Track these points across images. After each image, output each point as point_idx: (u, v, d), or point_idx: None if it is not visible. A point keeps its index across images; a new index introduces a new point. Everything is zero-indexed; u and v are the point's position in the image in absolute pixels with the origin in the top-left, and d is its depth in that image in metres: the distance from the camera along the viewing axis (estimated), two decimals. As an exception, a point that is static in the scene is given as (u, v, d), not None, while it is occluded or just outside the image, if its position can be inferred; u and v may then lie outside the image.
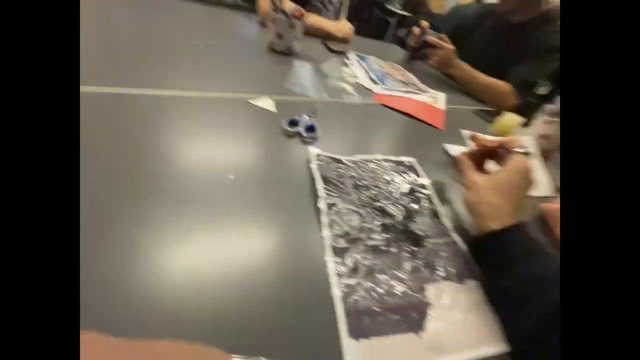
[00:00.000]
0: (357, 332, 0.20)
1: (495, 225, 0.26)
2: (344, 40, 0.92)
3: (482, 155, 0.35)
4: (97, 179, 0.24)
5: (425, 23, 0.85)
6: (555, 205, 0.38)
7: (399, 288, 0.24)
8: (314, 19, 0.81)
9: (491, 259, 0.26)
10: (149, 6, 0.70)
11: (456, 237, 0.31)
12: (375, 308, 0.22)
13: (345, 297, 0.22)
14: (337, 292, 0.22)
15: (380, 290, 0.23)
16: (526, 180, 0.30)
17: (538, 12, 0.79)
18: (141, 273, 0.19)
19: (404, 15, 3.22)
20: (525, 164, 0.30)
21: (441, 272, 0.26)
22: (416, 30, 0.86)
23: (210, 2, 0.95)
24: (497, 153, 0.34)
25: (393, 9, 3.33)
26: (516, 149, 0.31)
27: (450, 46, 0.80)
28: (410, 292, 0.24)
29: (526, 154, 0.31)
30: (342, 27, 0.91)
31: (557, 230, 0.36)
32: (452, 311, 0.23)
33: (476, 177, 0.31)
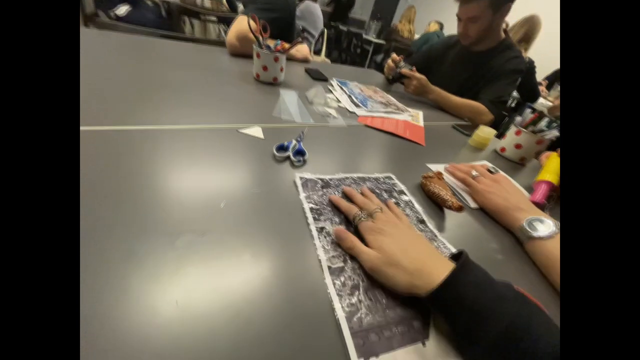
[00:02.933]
0: (366, 352, 0.20)
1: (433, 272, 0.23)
2: (304, 60, 1.06)
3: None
4: (88, 214, 0.24)
5: (396, 56, 0.94)
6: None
7: (399, 299, 0.24)
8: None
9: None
10: (137, 47, 0.73)
11: (445, 241, 0.33)
12: (380, 322, 0.22)
13: (350, 317, 0.22)
14: (341, 313, 0.22)
15: (382, 303, 0.23)
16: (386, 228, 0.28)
17: (496, 42, 0.89)
18: (134, 310, 0.19)
19: (379, 43, 3.50)
20: (365, 225, 0.29)
21: None
22: (390, 63, 0.95)
23: (197, 40, 1.01)
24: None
25: (369, 37, 3.62)
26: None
27: (421, 76, 0.88)
28: (411, 302, 0.24)
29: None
30: (301, 48, 1.02)
31: (488, 207, 0.41)
32: None
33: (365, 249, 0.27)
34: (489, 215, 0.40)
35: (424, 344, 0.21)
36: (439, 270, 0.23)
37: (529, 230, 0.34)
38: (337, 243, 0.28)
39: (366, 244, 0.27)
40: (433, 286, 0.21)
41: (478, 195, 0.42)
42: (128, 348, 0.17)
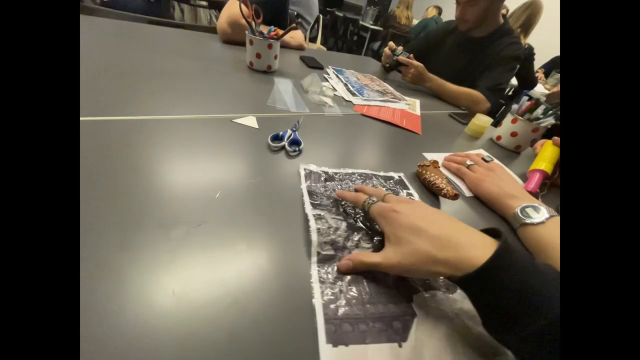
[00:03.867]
0: (336, 339, 0.20)
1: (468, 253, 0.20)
2: (299, 47, 1.02)
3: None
4: (82, 206, 0.24)
5: (393, 44, 0.92)
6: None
7: (385, 297, 0.23)
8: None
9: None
10: (125, 33, 0.70)
11: None
12: (357, 315, 0.21)
13: (328, 304, 0.22)
14: (318, 300, 0.22)
15: (364, 298, 0.23)
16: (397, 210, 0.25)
17: (494, 27, 0.88)
18: (130, 300, 0.19)
19: (376, 29, 3.41)
20: (377, 208, 0.26)
21: (431, 282, 0.26)
22: (387, 51, 0.93)
23: (187, 26, 0.97)
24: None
25: (366, 24, 3.53)
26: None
27: (419, 64, 0.86)
28: (396, 301, 0.23)
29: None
30: (295, 35, 0.98)
31: (482, 196, 0.41)
32: (436, 322, 0.22)
33: (377, 256, 0.24)
34: (484, 203, 0.41)
35: (400, 345, 0.20)
36: (477, 245, 0.20)
37: (522, 217, 0.34)
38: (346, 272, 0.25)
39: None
40: (470, 265, 0.19)
41: (472, 184, 0.42)
42: (126, 337, 0.17)
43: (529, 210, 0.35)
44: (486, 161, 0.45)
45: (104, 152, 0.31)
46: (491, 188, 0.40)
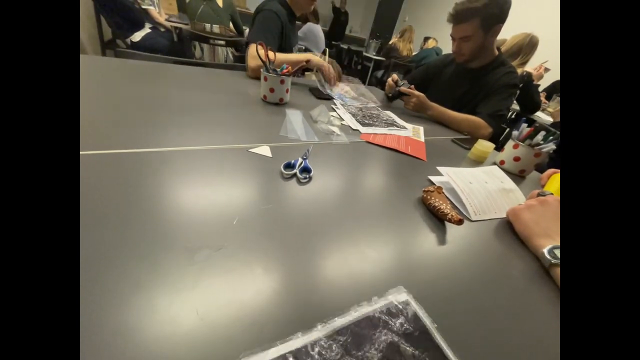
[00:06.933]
0: None
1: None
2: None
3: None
4: (107, 233, 0.26)
5: (395, 76, 0.99)
6: (515, 207, 0.44)
7: None
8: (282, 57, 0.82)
9: None
10: (152, 72, 0.79)
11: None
12: None
13: None
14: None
15: None
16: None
17: (490, 59, 0.94)
18: (152, 322, 0.20)
19: (379, 60, 3.62)
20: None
21: None
22: (389, 82, 1.00)
23: (207, 64, 1.08)
24: None
25: (369, 55, 3.76)
26: None
27: (420, 94, 0.92)
28: None
29: None
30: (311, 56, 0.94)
31: (516, 227, 0.42)
32: None
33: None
34: (489, 227, 0.42)
35: None
36: None
37: (549, 257, 0.34)
38: None
39: None
40: None
41: (512, 211, 0.42)
42: (152, 353, 0.19)
43: (557, 250, 0.34)
44: (542, 195, 0.43)
45: (135, 182, 0.34)
46: (527, 222, 0.39)
